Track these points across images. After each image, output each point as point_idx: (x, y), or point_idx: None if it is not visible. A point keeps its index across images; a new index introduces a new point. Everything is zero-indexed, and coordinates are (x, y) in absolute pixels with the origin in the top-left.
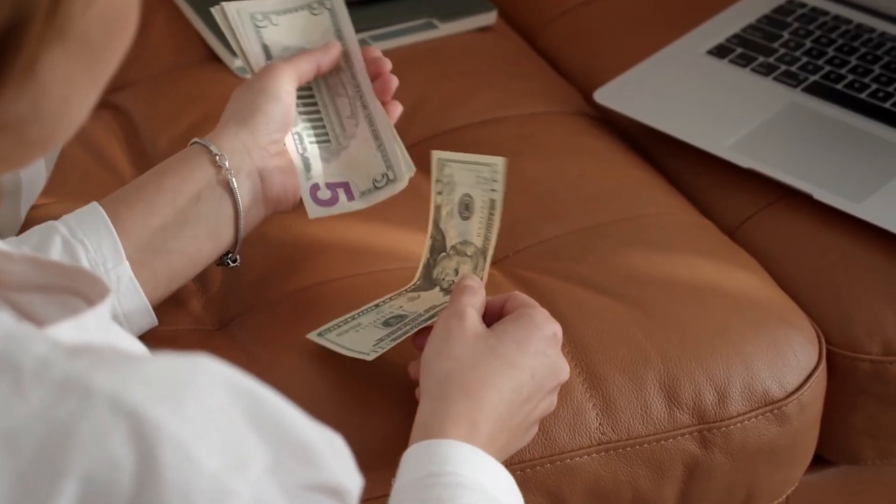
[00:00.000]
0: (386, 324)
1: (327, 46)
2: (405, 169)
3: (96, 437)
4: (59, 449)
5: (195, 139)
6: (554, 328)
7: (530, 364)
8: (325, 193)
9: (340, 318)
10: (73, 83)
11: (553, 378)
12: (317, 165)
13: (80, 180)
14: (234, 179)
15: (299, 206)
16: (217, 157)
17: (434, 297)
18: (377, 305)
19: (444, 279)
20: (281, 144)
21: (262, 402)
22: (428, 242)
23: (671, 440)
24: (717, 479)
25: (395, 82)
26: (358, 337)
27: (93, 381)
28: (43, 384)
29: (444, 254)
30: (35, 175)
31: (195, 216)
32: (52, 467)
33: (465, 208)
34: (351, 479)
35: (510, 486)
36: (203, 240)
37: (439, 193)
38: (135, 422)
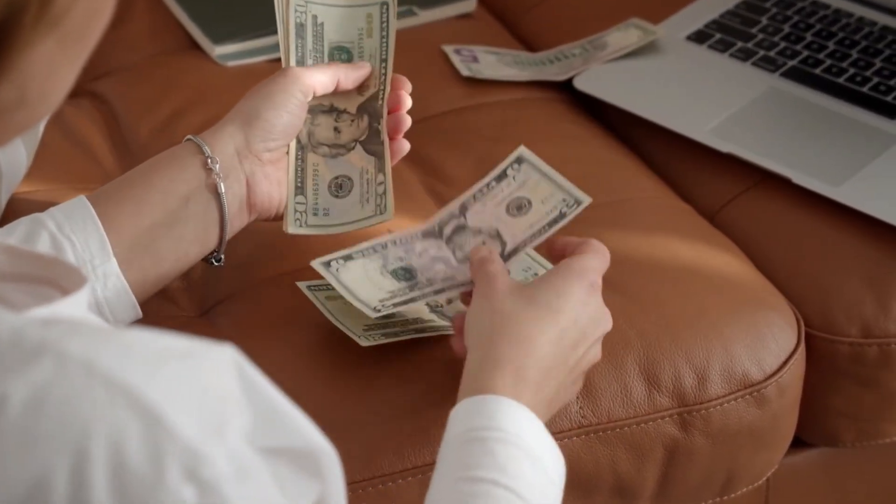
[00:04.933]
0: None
1: (356, 65)
2: (391, 207)
3: (70, 401)
4: (37, 413)
5: (189, 136)
6: (593, 277)
7: (572, 311)
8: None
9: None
10: (55, 67)
11: (596, 326)
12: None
13: (61, 168)
14: (221, 184)
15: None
16: (209, 160)
17: (422, 310)
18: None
19: (441, 300)
20: (275, 153)
21: (244, 367)
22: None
23: (651, 423)
24: (698, 462)
25: (408, 122)
26: (349, 309)
27: (67, 347)
28: (18, 348)
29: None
30: (16, 163)
31: (183, 218)
32: (32, 431)
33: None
34: (326, 446)
35: (552, 447)
36: (190, 241)
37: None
38: (109, 386)
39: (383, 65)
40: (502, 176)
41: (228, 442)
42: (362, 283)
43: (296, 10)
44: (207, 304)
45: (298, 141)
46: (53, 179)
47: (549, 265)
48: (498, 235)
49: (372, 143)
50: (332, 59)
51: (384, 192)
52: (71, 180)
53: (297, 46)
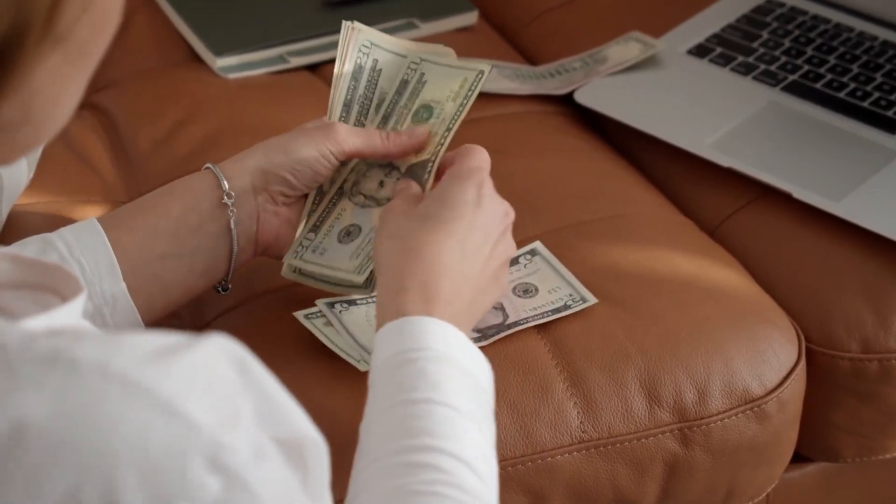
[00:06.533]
0: None
1: (411, 133)
2: (364, 275)
3: (89, 406)
4: (58, 423)
5: (208, 164)
6: (479, 177)
7: (464, 217)
8: None
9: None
10: (60, 83)
11: (497, 222)
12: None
13: (62, 180)
14: (233, 219)
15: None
16: (225, 195)
17: None
18: None
19: None
20: (291, 199)
21: (240, 355)
22: None
23: (652, 438)
24: (698, 477)
25: None
26: (347, 338)
27: (78, 353)
28: (29, 360)
29: None
30: (17, 175)
31: (194, 249)
32: (56, 442)
33: None
34: (314, 435)
35: (477, 355)
36: (199, 273)
37: None
38: (125, 386)
39: (447, 133)
40: (514, 262)
41: (244, 428)
42: (363, 328)
43: (409, 68)
44: (208, 317)
45: (341, 187)
46: (54, 191)
47: (572, 278)
48: (502, 308)
49: None
50: (416, 116)
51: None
52: (72, 192)
53: (349, 88)
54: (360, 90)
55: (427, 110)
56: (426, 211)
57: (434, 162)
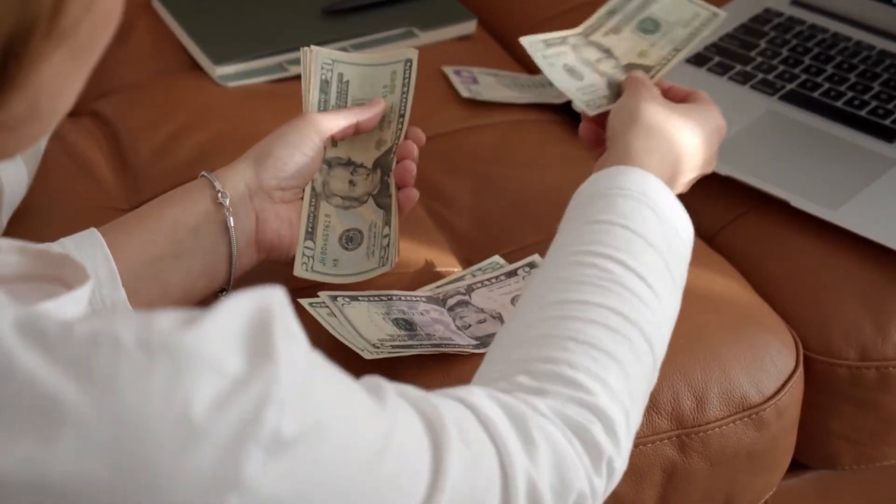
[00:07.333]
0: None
1: (371, 103)
2: (393, 258)
3: (139, 382)
4: (114, 404)
5: (203, 173)
6: (722, 122)
7: (707, 139)
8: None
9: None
10: (64, 80)
11: (706, 166)
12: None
13: (61, 187)
14: (230, 218)
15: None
16: (219, 194)
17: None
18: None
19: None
20: (288, 193)
21: (264, 296)
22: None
23: (650, 445)
24: (696, 484)
25: (413, 171)
26: (354, 329)
27: (118, 331)
28: (72, 345)
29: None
30: (17, 182)
31: (191, 250)
32: (115, 423)
33: None
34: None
35: (683, 213)
36: (198, 275)
37: None
38: (170, 355)
39: (401, 120)
40: (512, 274)
41: (280, 357)
42: (365, 323)
43: (322, 67)
44: None
45: (313, 188)
46: (54, 199)
47: None
48: (500, 317)
49: (382, 196)
50: (641, 25)
51: (388, 245)
52: (72, 199)
53: (321, 101)
54: (332, 101)
55: (653, 24)
56: (690, 114)
57: (657, 72)
